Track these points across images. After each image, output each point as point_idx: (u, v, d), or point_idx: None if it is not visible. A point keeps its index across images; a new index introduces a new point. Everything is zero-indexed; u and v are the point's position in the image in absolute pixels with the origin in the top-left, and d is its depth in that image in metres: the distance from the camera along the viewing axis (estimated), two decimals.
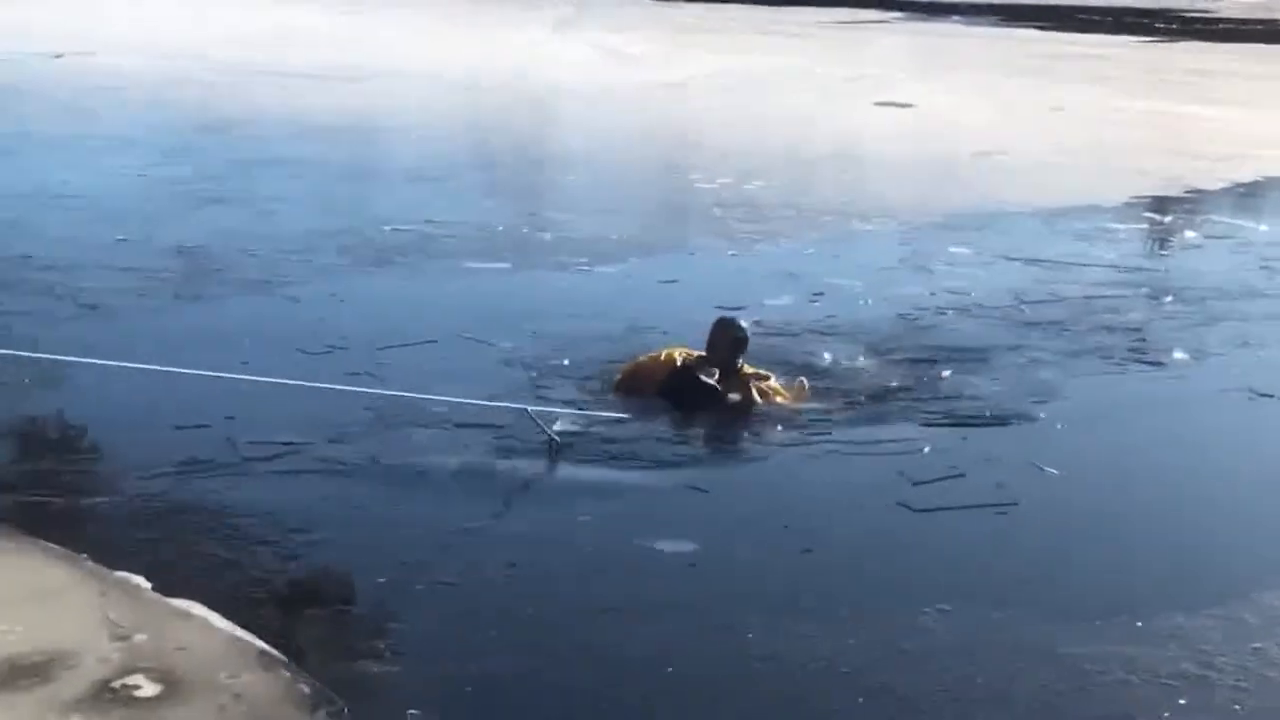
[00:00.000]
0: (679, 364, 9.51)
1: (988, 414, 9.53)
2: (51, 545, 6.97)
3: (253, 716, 5.53)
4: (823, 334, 11.38)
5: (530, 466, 8.36)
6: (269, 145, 20.61)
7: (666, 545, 7.37)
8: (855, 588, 7.04)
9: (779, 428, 9.16)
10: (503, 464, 8.37)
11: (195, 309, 11.74)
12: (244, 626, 6.27)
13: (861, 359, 10.70)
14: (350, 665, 6.06)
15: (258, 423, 8.74)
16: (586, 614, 6.63)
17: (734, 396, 9.39)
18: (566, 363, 10.27)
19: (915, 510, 7.96)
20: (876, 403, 9.71)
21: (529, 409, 8.60)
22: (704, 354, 9.63)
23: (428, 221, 15.33)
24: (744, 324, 9.87)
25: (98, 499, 7.64)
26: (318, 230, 14.75)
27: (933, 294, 12.81)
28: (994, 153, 21.38)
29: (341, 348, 10.55)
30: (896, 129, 23.82)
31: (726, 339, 9.68)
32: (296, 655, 6.06)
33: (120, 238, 13.95)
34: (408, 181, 18.42)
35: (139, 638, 6.09)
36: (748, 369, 9.63)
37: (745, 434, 9.16)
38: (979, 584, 7.08)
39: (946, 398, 9.82)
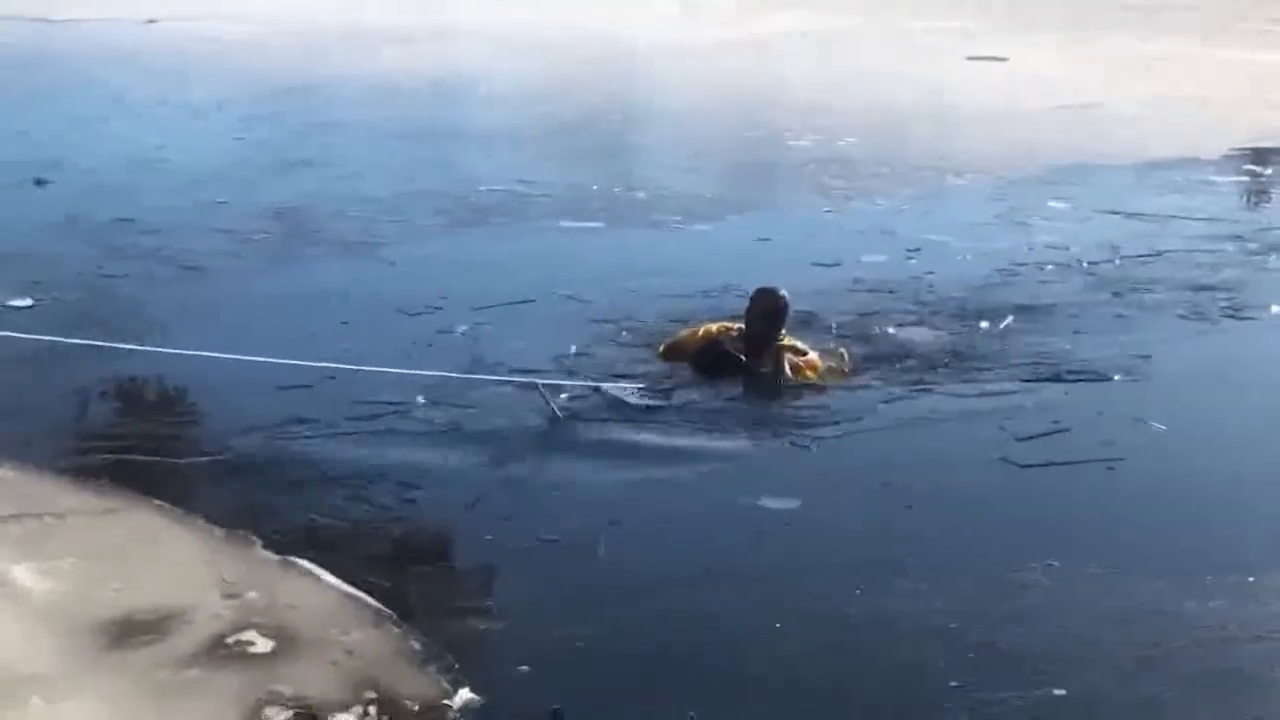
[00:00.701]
0: (712, 339, 9.33)
1: (1091, 369, 9.43)
2: (162, 503, 7.05)
3: (365, 673, 5.58)
4: (919, 290, 11.30)
5: (633, 426, 8.36)
6: (357, 107, 20.69)
7: (770, 503, 7.35)
8: (961, 544, 6.99)
9: (877, 384, 9.10)
10: (605, 423, 8.38)
11: (294, 271, 11.82)
12: (352, 584, 6.31)
13: (960, 314, 10.62)
14: (458, 623, 6.09)
15: (358, 382, 8.77)
16: (691, 571, 6.62)
17: (765, 370, 9.11)
18: (651, 320, 10.28)
19: (1020, 466, 7.90)
20: (970, 360, 9.61)
21: (539, 383, 8.43)
22: (742, 326, 9.38)
23: (519, 181, 15.34)
24: (783, 294, 9.42)
25: (206, 458, 7.70)
26: (410, 191, 14.81)
27: (1030, 249, 12.70)
28: (1089, 106, 21.13)
29: (439, 308, 10.59)
30: (989, 83, 23.58)
31: (763, 309, 9.34)
32: (405, 612, 6.09)
33: (218, 200, 14.05)
34: (495, 142, 18.43)
35: (250, 595, 6.15)
36: (788, 340, 9.29)
37: (844, 392, 9.07)
38: (1087, 541, 7.01)
39: (1048, 353, 9.72)
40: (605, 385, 8.78)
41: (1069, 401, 8.93)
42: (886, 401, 8.82)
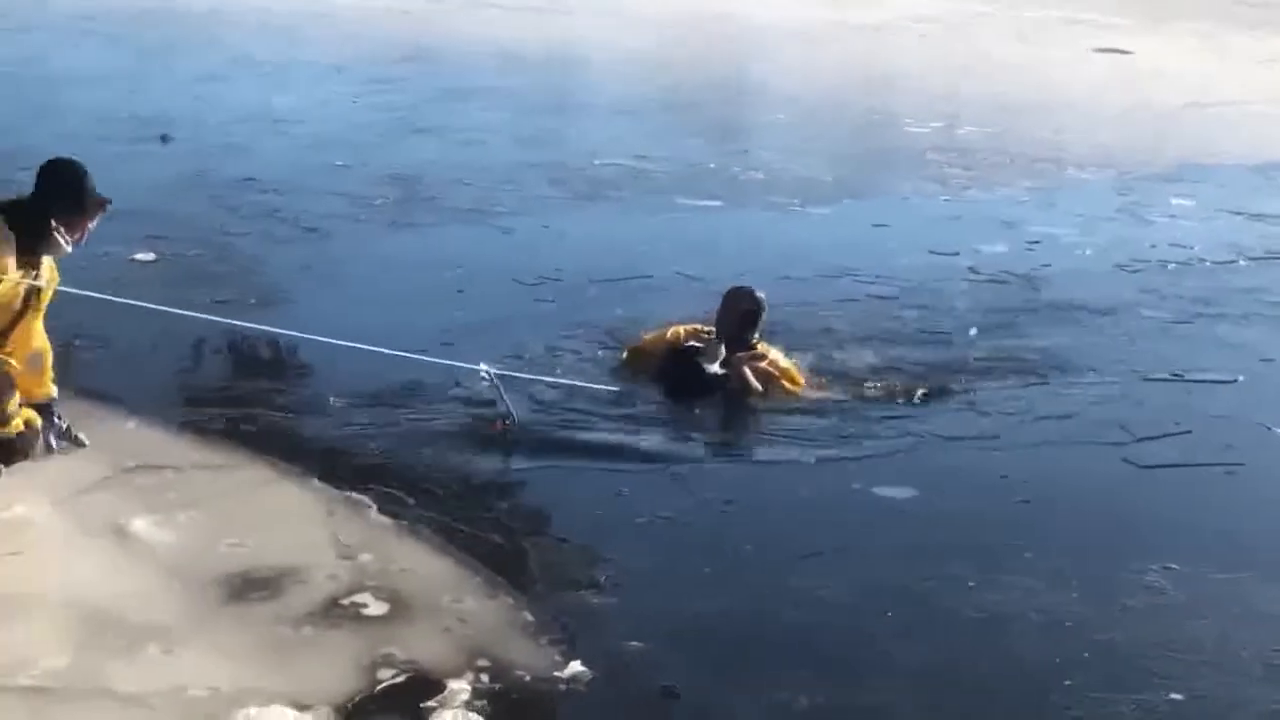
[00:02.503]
0: (679, 345, 8.62)
1: (1212, 372, 9.30)
2: (278, 461, 7.11)
3: (477, 641, 5.59)
4: (1038, 283, 11.19)
5: (749, 409, 8.32)
6: (476, 75, 20.77)
7: (884, 491, 7.29)
8: (1077, 542, 6.89)
9: (997, 377, 9.00)
10: (721, 405, 8.34)
11: (410, 236, 11.87)
12: (465, 552, 6.33)
13: (1079, 309, 10.51)
14: (571, 596, 6.07)
15: (473, 351, 8.80)
16: (803, 555, 6.57)
17: (732, 384, 8.44)
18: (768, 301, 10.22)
19: (1139, 466, 7.79)
20: (1090, 357, 9.48)
21: (486, 370, 7.67)
22: (711, 330, 8.70)
23: (637, 157, 15.33)
24: (759, 295, 8.77)
25: (323, 421, 7.72)
26: (527, 161, 14.87)
27: (1153, 246, 12.55)
28: (1215, 104, 20.85)
29: (555, 279, 10.61)
30: (1114, 76, 23.32)
31: (735, 311, 8.68)
32: (517, 583, 6.10)
33: (338, 163, 14.15)
34: (614, 115, 18.43)
35: (365, 557, 6.18)
36: (762, 347, 8.68)
37: (962, 385, 8.95)
38: (1207, 543, 6.89)
39: (1169, 353, 9.60)
40: (571, 383, 8.26)
41: (1190, 403, 8.81)
42: (1006, 396, 8.72)
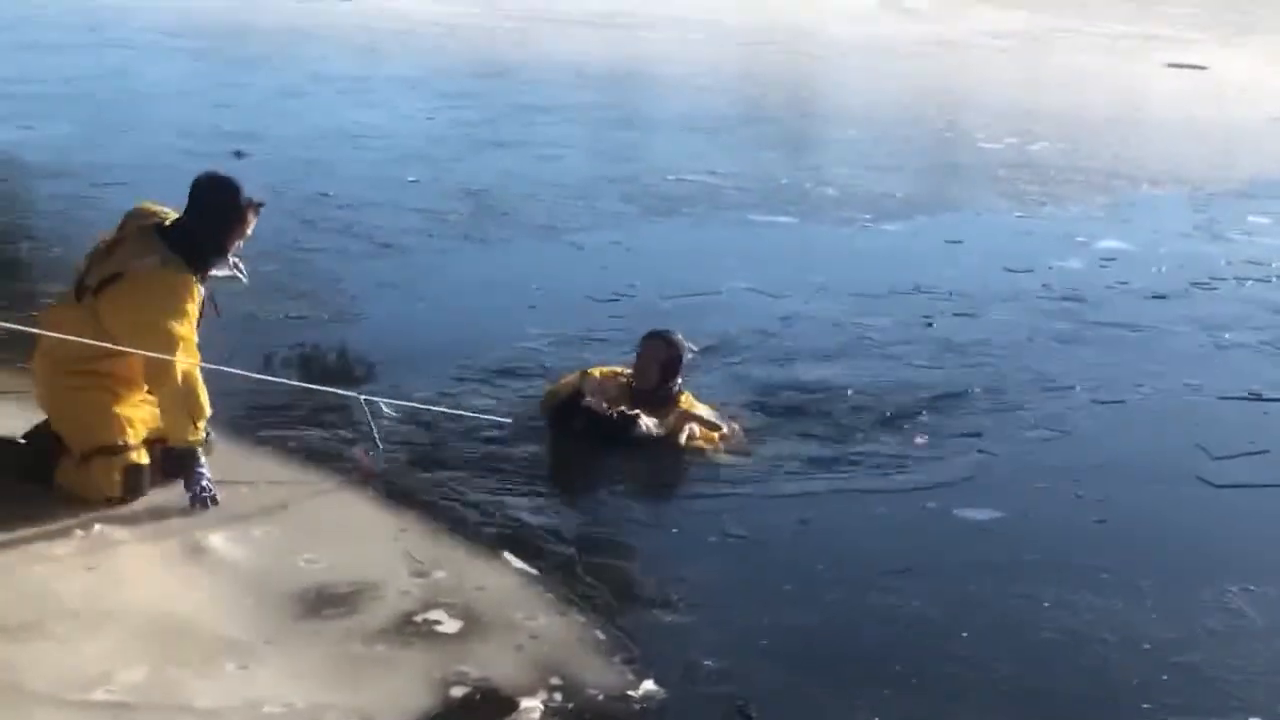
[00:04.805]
0: (580, 393, 7.87)
1: None
2: (352, 480, 7.13)
3: (550, 659, 5.58)
4: (1113, 300, 11.12)
5: (823, 427, 8.29)
6: (550, 91, 20.84)
7: (960, 511, 7.24)
8: (1155, 562, 6.81)
9: (1063, 397, 8.93)
10: (795, 424, 8.31)
11: (483, 251, 11.92)
12: (538, 570, 6.32)
13: (1153, 328, 10.44)
14: (644, 613, 6.05)
15: (546, 368, 8.88)
16: (879, 573, 6.52)
17: (647, 428, 7.82)
18: (841, 318, 10.27)
19: (1216, 486, 7.71)
20: (1166, 374, 9.40)
21: (364, 398, 7.44)
22: (629, 374, 8.18)
23: (710, 173, 15.36)
24: (678, 339, 8.16)
25: (395, 436, 7.72)
26: (600, 177, 14.92)
27: (1228, 263, 12.44)
28: None
29: (627, 295, 10.62)
30: (1188, 91, 23.14)
31: (654, 361, 8.09)
32: (589, 601, 6.08)
33: (411, 179, 14.24)
34: (687, 131, 18.45)
35: (438, 574, 6.19)
36: (685, 397, 8.13)
37: (1036, 402, 8.90)
38: None
39: (1246, 370, 9.52)
40: (459, 413, 7.85)
41: (1266, 423, 8.72)
42: (1081, 415, 8.67)
